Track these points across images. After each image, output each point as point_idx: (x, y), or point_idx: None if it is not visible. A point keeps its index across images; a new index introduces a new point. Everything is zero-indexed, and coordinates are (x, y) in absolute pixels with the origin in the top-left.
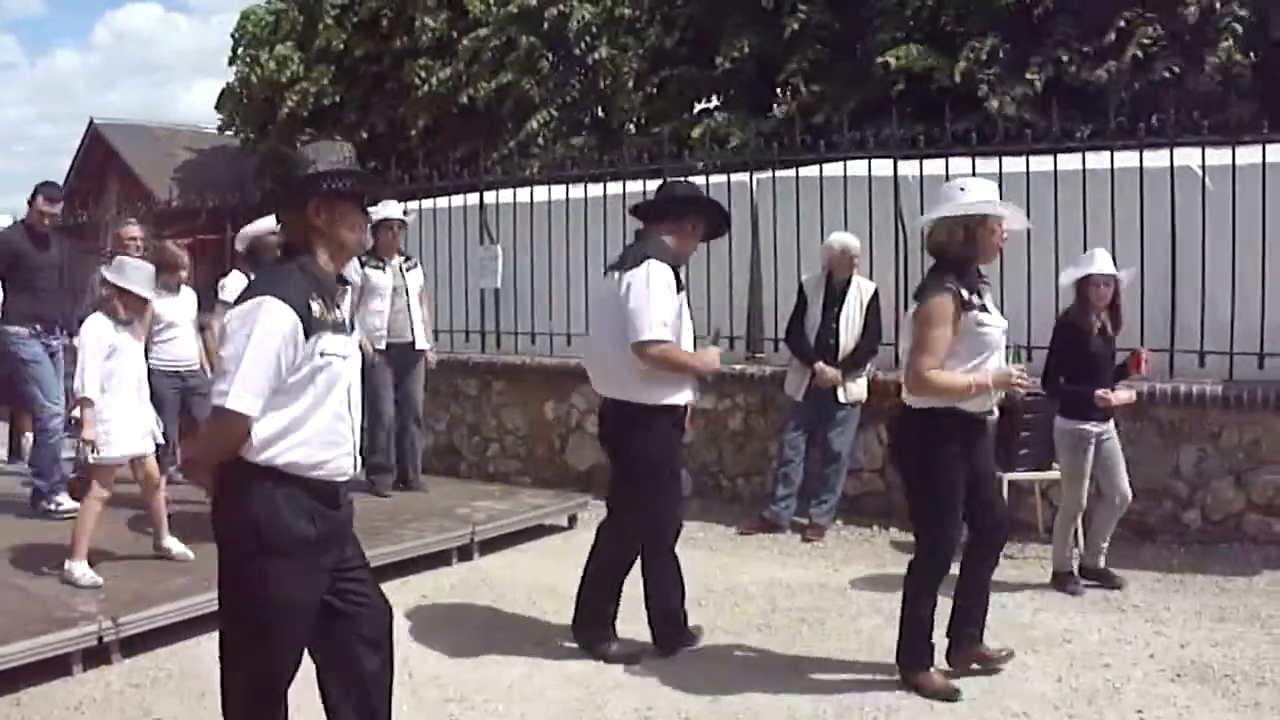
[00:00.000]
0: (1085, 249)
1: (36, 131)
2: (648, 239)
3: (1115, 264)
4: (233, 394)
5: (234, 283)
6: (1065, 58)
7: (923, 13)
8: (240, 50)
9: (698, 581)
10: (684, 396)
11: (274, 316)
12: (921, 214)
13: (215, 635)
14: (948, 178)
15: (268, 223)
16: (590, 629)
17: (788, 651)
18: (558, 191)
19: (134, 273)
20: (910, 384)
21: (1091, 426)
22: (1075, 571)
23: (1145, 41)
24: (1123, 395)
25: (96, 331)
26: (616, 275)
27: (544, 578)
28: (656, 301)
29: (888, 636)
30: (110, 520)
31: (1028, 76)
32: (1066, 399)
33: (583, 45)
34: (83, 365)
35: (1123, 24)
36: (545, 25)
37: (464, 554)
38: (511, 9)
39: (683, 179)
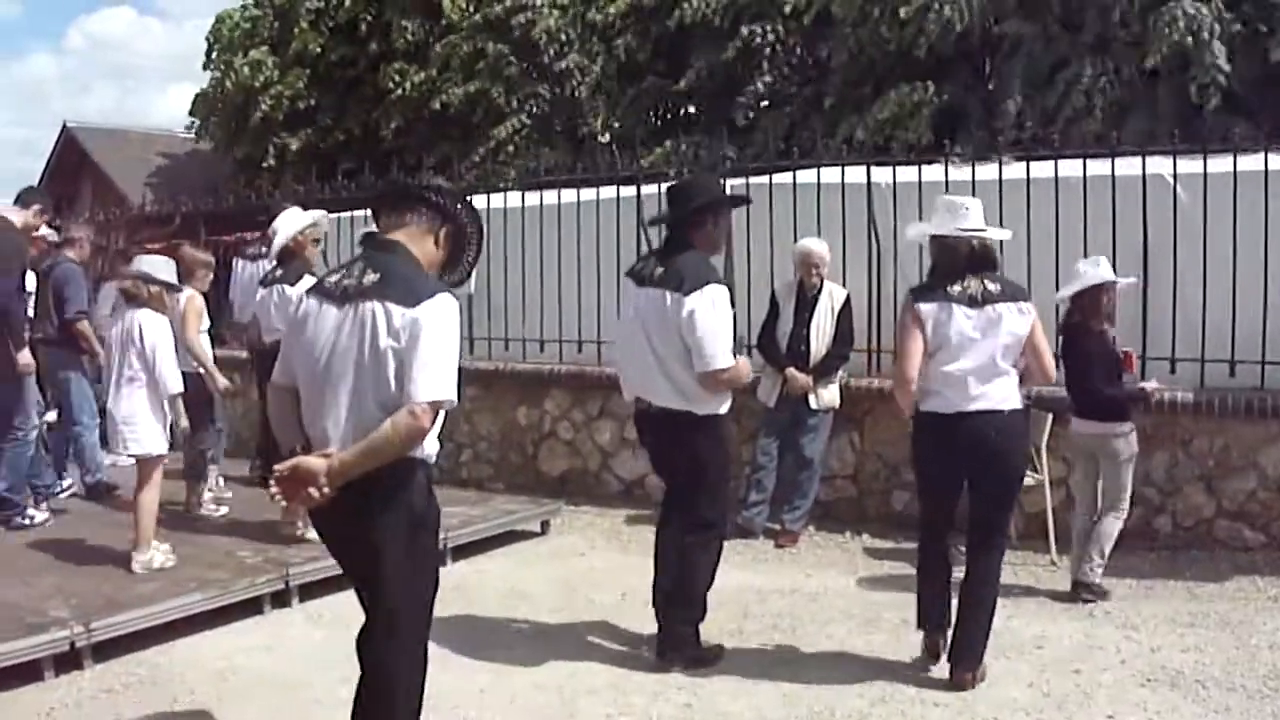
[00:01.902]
0: (1057, 255)
1: (9, 134)
2: (678, 251)
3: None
4: (449, 387)
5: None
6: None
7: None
8: (215, 54)
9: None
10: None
11: (456, 313)
12: (894, 221)
13: (187, 640)
14: (920, 185)
15: (302, 220)
16: (691, 642)
17: (761, 657)
18: (531, 197)
19: (166, 267)
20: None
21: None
22: (1099, 580)
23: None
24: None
25: (166, 328)
26: (668, 294)
27: (516, 584)
28: (725, 328)
29: (860, 642)
30: (82, 525)
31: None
32: (1106, 402)
33: (550, 53)
34: (167, 360)
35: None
36: (514, 32)
37: None
38: (480, 16)
39: (689, 180)
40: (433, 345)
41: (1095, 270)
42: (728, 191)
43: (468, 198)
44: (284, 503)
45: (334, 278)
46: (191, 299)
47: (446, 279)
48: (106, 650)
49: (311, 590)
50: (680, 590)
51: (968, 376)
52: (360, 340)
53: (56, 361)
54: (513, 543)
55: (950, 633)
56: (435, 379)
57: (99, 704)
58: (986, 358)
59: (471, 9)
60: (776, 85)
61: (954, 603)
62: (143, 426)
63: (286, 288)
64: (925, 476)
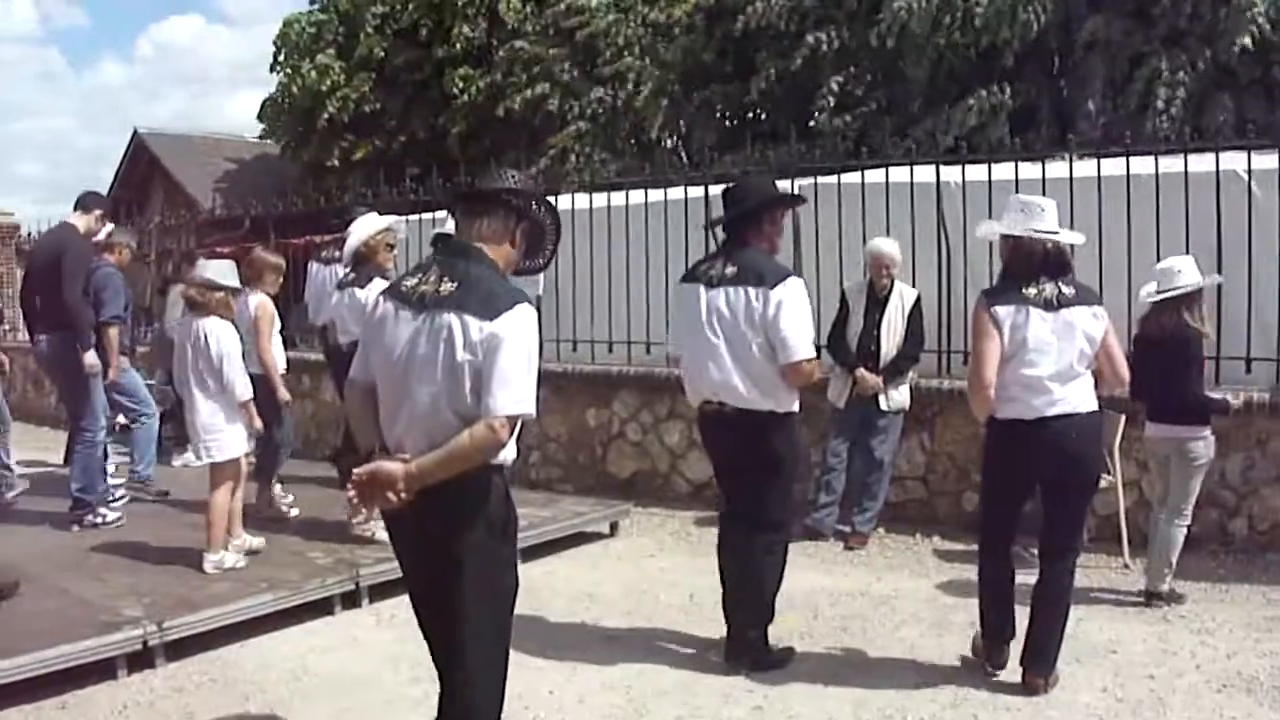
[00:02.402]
0: (1130, 254)
1: (80, 142)
2: (743, 249)
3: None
4: (527, 400)
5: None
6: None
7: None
8: (282, 59)
9: None
10: None
11: (534, 324)
12: (964, 220)
13: (258, 639)
14: (990, 184)
15: (376, 224)
16: (759, 646)
17: (830, 660)
18: (599, 199)
19: (229, 271)
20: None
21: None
22: (1170, 587)
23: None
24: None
25: (232, 334)
26: (748, 290)
27: (585, 585)
28: (809, 319)
29: (930, 645)
30: (155, 525)
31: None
32: (1196, 406)
33: (607, 54)
34: (236, 367)
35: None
36: (572, 36)
37: None
38: (535, 21)
39: (743, 182)
40: (511, 359)
41: (1191, 271)
42: (795, 192)
43: (543, 194)
44: (360, 505)
45: (410, 282)
46: (263, 305)
47: (528, 264)
48: (179, 649)
49: (382, 591)
50: (748, 594)
51: (1048, 380)
52: (437, 351)
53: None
54: (581, 544)
55: (1013, 639)
56: (513, 393)
57: (171, 702)
58: (1065, 362)
59: (529, 13)
60: (847, 87)
61: (1017, 612)
62: (224, 434)
63: (358, 290)
64: (997, 484)
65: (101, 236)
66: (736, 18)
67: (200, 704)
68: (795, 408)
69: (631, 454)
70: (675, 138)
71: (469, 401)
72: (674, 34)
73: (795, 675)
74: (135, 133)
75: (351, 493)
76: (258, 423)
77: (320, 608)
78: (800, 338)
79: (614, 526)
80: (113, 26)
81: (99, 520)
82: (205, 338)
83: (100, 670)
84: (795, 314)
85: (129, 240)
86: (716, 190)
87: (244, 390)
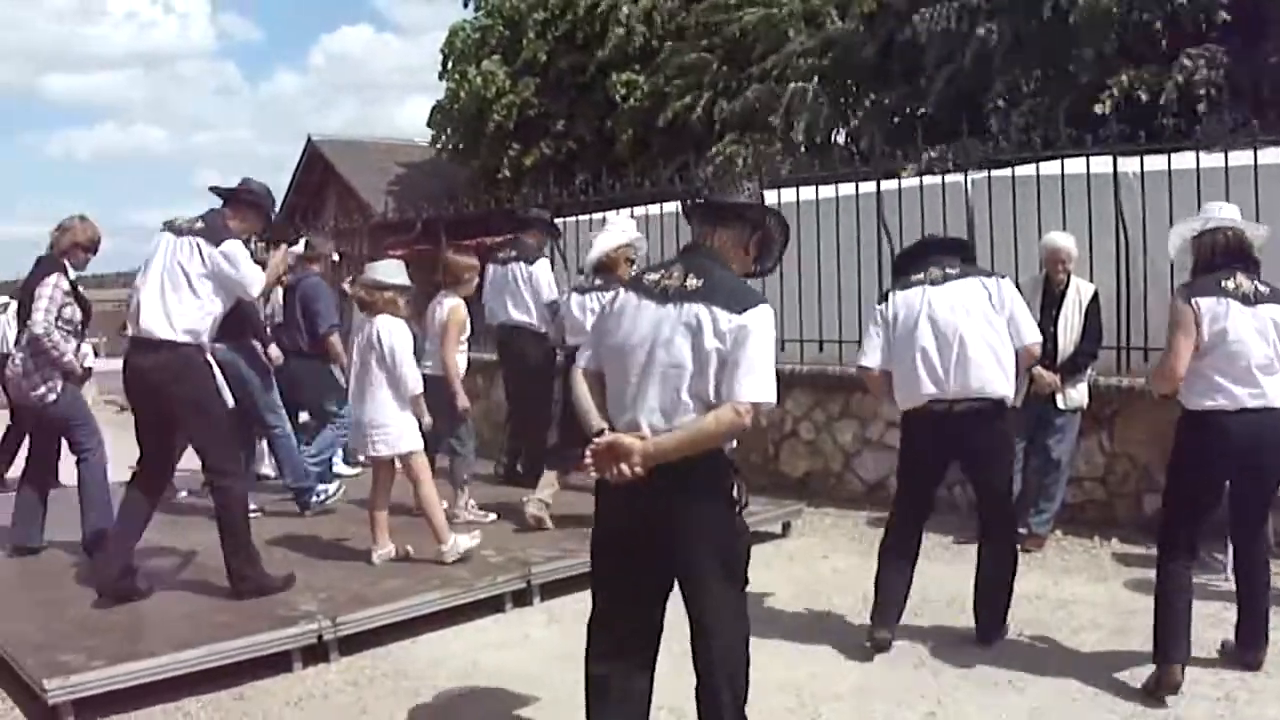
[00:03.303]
0: None
1: (256, 151)
2: (951, 252)
3: None
4: (771, 389)
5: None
6: None
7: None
8: (449, 66)
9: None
10: None
11: (773, 321)
12: (1142, 212)
13: (429, 636)
14: (1169, 174)
15: (618, 239)
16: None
17: (1006, 665)
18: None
19: (397, 270)
20: None
21: None
22: None
23: None
24: None
25: (403, 331)
26: (978, 280)
27: (757, 585)
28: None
29: (1109, 652)
30: (330, 523)
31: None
32: None
33: (759, 50)
34: (407, 362)
35: None
36: (720, 33)
37: None
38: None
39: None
40: (758, 350)
41: None
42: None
43: (768, 204)
44: (592, 474)
45: (653, 277)
46: (455, 310)
47: (758, 268)
48: (352, 644)
49: (553, 589)
50: (1003, 590)
51: (1252, 372)
52: (685, 338)
53: (307, 371)
54: (753, 544)
55: (1185, 661)
56: (760, 381)
57: (345, 696)
58: (1265, 356)
59: (679, 17)
60: (1015, 84)
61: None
62: (392, 428)
63: (601, 295)
64: (1187, 480)
65: (300, 248)
66: (904, 25)
67: (373, 698)
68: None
69: (804, 453)
70: (845, 136)
71: (710, 387)
72: (822, 23)
73: (970, 680)
74: (309, 140)
75: (587, 460)
76: (427, 418)
77: (491, 605)
78: (1030, 320)
79: (786, 526)
80: (286, 39)
81: (322, 497)
82: (377, 335)
83: (276, 663)
84: (1020, 297)
85: (329, 247)
86: (889, 185)
87: (415, 385)
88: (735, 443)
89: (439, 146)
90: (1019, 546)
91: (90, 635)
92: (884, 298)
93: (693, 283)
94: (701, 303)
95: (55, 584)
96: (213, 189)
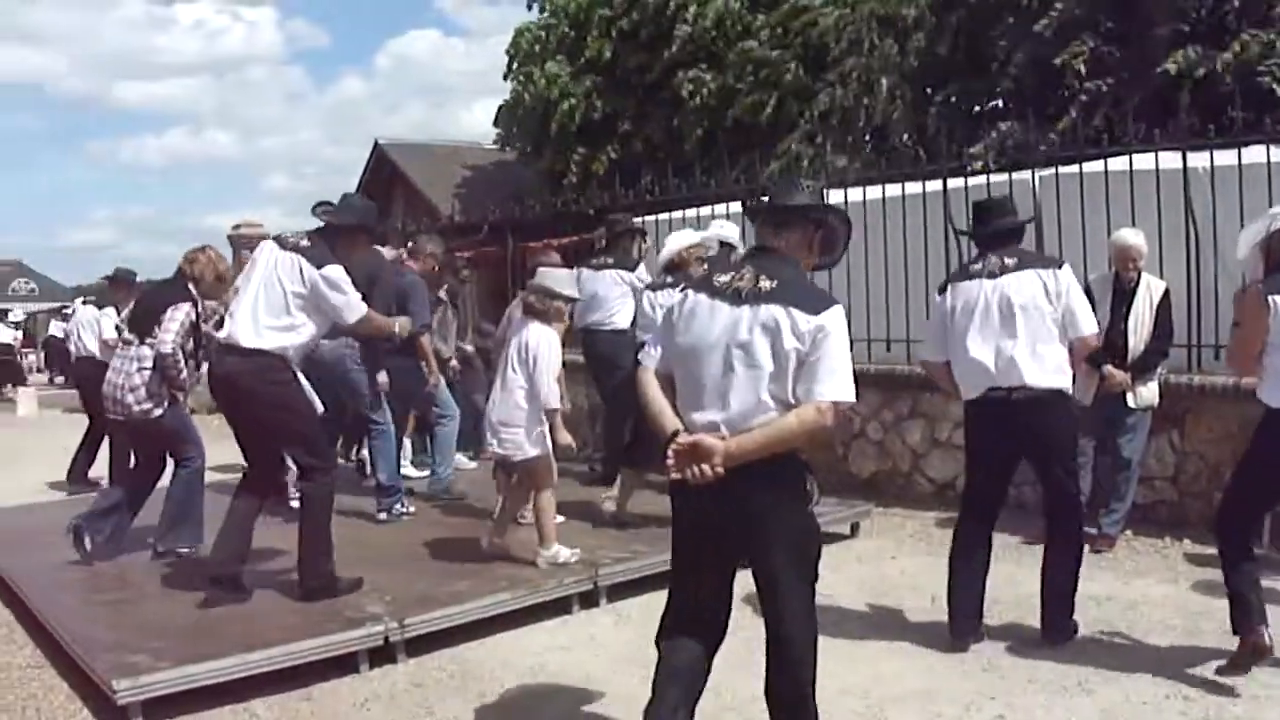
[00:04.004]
0: None
1: (324, 154)
2: (1011, 242)
3: None
4: (850, 388)
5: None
6: None
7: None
8: (514, 67)
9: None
10: None
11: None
12: (1213, 208)
13: (496, 637)
14: (1239, 169)
15: (688, 239)
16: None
17: (1075, 666)
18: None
19: (569, 281)
20: None
21: None
22: None
23: None
24: None
25: (553, 341)
26: (1038, 273)
27: (825, 586)
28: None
29: (1180, 655)
30: (399, 525)
31: None
32: None
33: (837, 51)
34: (548, 373)
35: None
36: (797, 36)
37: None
38: (764, 21)
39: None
40: (838, 350)
41: None
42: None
43: (830, 200)
44: (674, 475)
45: (723, 278)
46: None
47: (823, 261)
48: (419, 645)
49: (620, 591)
50: (1068, 588)
51: None
52: (763, 339)
53: (404, 371)
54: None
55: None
56: (840, 381)
57: (411, 697)
58: None
59: (747, 20)
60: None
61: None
62: (522, 430)
63: (672, 293)
64: (1264, 475)
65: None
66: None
67: (439, 700)
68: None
69: (873, 453)
70: (911, 133)
71: (789, 387)
72: (899, 26)
73: (1039, 682)
74: (376, 144)
75: (670, 460)
76: (565, 437)
77: (558, 607)
78: (1087, 311)
79: (855, 527)
80: (353, 44)
81: (405, 511)
82: (526, 340)
83: (343, 664)
84: (1079, 287)
85: (436, 248)
86: (955, 184)
87: (553, 400)
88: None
89: (505, 148)
90: (1089, 547)
91: (158, 636)
92: (943, 288)
93: (766, 284)
94: (778, 304)
95: (124, 585)
96: (319, 212)
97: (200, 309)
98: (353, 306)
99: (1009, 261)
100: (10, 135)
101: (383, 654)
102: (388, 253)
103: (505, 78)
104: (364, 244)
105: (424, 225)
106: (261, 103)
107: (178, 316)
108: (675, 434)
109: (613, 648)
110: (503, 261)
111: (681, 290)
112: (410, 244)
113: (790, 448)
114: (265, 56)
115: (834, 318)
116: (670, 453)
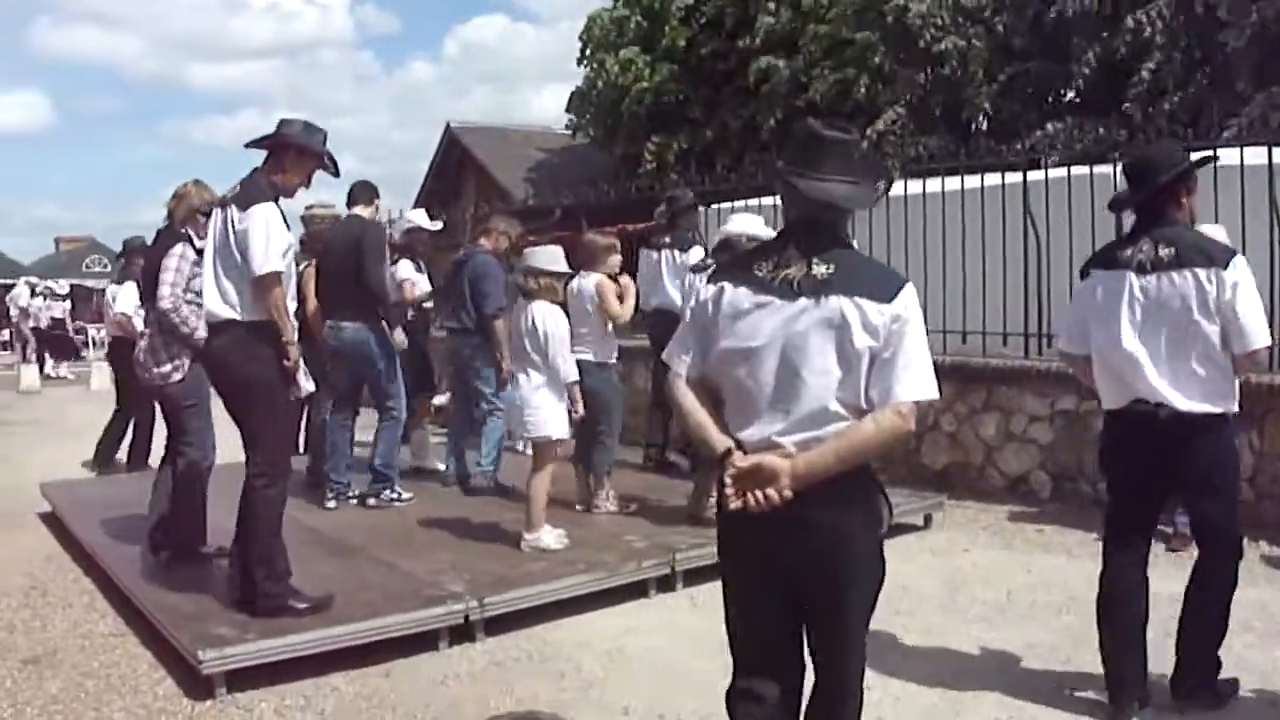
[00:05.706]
0: None
1: (392, 138)
2: (1170, 226)
3: None
4: (932, 383)
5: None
6: None
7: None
8: (588, 53)
9: (1060, 589)
10: None
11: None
12: None
13: (574, 619)
14: None
15: (756, 226)
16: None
17: (1153, 668)
18: (914, 185)
19: (555, 257)
20: None
21: None
22: None
23: None
24: None
25: (560, 318)
26: (1196, 273)
27: (899, 578)
28: (1259, 299)
29: (1259, 657)
30: (477, 506)
31: None
32: None
33: (927, 37)
34: (562, 349)
35: None
36: (886, 18)
37: None
38: (843, 6)
39: (1150, 152)
40: (916, 341)
41: None
42: (1117, 176)
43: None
44: (735, 504)
45: (765, 266)
46: (602, 281)
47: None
48: (497, 625)
49: (697, 575)
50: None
51: None
52: (826, 338)
53: (471, 350)
54: (895, 536)
55: None
56: (919, 375)
57: (490, 675)
58: None
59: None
60: (1166, 69)
61: None
62: (543, 411)
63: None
64: None
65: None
66: (1049, 6)
67: (517, 679)
68: (1236, 408)
69: (946, 445)
70: (988, 121)
71: (861, 390)
72: (981, 16)
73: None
74: (448, 127)
75: (729, 491)
76: (580, 407)
77: (636, 590)
78: (1258, 321)
79: (928, 519)
80: (422, 28)
81: (394, 497)
82: (533, 320)
83: (422, 642)
84: (1251, 295)
85: (510, 228)
86: (1035, 176)
87: (569, 372)
88: None
89: (576, 134)
90: (1167, 547)
91: (240, 610)
92: (1085, 272)
93: (821, 270)
94: (843, 294)
95: (201, 559)
96: (249, 143)
97: (196, 245)
98: (263, 257)
99: (1164, 253)
100: (85, 117)
101: (462, 633)
102: (365, 212)
103: (579, 64)
104: (298, 169)
105: (496, 208)
106: (332, 86)
107: (170, 264)
108: (728, 453)
109: (691, 633)
110: (575, 246)
111: (711, 281)
112: (479, 223)
113: (867, 460)
114: (336, 40)
115: (908, 301)
116: (728, 478)
